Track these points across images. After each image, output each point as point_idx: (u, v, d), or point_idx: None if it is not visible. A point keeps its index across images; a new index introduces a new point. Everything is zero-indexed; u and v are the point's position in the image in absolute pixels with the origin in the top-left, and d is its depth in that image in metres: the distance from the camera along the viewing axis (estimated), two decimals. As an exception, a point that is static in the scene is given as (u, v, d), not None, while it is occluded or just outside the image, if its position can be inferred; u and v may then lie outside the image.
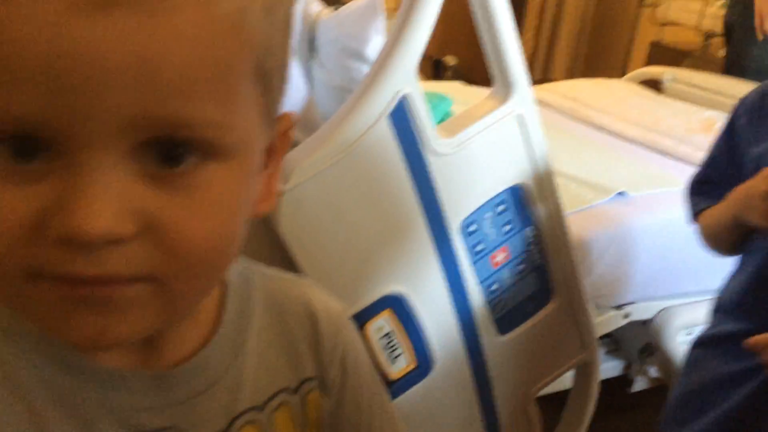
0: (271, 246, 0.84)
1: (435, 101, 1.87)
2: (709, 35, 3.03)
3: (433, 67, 3.26)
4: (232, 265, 0.40)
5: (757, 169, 0.75)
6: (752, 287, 0.82)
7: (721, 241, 0.88)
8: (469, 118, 0.94)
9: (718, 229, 0.87)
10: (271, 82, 0.32)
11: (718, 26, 2.85)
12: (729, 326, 0.85)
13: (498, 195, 0.99)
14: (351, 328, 0.45)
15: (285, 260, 0.85)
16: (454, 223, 0.95)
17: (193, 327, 0.38)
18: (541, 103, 2.19)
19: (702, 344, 0.90)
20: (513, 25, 0.92)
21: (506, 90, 0.95)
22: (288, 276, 0.45)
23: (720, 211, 0.84)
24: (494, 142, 0.95)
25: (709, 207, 0.88)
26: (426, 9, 0.83)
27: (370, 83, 0.84)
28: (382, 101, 0.84)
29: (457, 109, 1.64)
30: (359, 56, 0.95)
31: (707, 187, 0.90)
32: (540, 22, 3.67)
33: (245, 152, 0.31)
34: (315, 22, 1.03)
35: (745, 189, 0.77)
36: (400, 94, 0.84)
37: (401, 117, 0.86)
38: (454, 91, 2.13)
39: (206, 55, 0.27)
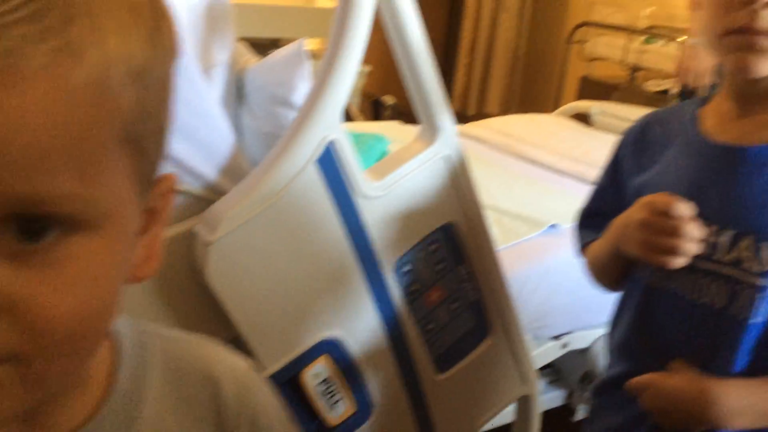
0: (200, 298, 0.83)
1: (372, 142, 1.90)
2: (634, 69, 3.17)
3: (372, 107, 3.31)
4: (127, 329, 0.39)
5: (637, 198, 0.73)
6: (635, 324, 0.79)
7: (604, 274, 0.85)
8: (397, 160, 0.95)
9: (601, 262, 0.84)
10: (145, 145, 0.31)
11: (641, 60, 2.99)
12: (618, 368, 0.82)
13: (430, 234, 1.01)
14: (261, 387, 0.44)
15: (215, 312, 0.84)
16: (388, 264, 0.96)
17: (80, 398, 0.36)
18: (477, 139, 2.25)
19: (598, 392, 0.87)
20: (436, 67, 0.95)
21: (432, 132, 0.97)
22: (190, 338, 0.43)
23: (602, 243, 0.82)
24: (423, 183, 0.97)
25: (595, 240, 0.85)
26: (349, 55, 0.84)
27: (295, 130, 0.85)
28: (308, 147, 0.85)
29: (394, 148, 1.67)
30: (286, 103, 0.96)
31: (596, 219, 0.87)
32: (471, 60, 3.77)
33: (114, 221, 0.30)
34: (242, 70, 1.03)
35: (623, 219, 0.74)
36: (327, 140, 0.85)
37: (329, 162, 0.87)
38: (392, 130, 2.17)
39: (59, 127, 0.26)
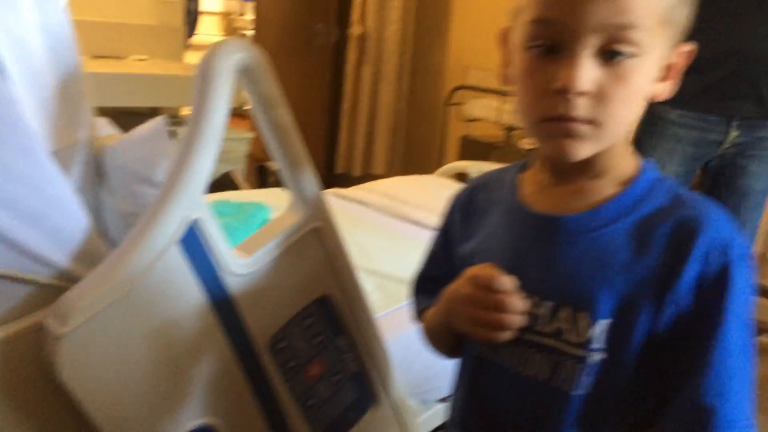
0: (54, 398, 0.77)
1: (253, 211, 1.88)
2: (509, 128, 3.33)
3: (258, 173, 3.29)
4: None
5: (465, 267, 0.71)
6: (468, 396, 0.79)
7: (440, 343, 0.84)
8: (267, 235, 0.93)
9: (436, 330, 0.82)
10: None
11: (515, 120, 3.15)
12: None
13: (304, 308, 0.99)
14: None
15: (72, 414, 0.77)
16: (261, 342, 0.93)
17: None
18: (361, 203, 2.27)
19: None
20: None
21: (302, 205, 0.96)
22: None
23: (435, 312, 0.80)
24: (294, 256, 0.95)
25: (430, 306, 0.83)
26: (209, 132, 0.83)
27: (155, 210, 0.82)
28: (170, 228, 0.81)
29: (275, 215, 1.65)
30: (148, 181, 0.92)
31: (431, 284, 0.85)
32: (354, 123, 3.85)
33: None
34: (102, 148, 0.99)
35: (451, 293, 0.73)
36: (190, 219, 0.82)
37: (192, 242, 0.84)
38: (277, 197, 2.15)
39: None
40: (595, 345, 0.67)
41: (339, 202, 2.22)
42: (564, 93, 0.61)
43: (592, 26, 0.60)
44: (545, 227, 0.71)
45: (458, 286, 0.71)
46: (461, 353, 0.82)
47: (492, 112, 3.34)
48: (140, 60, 3.12)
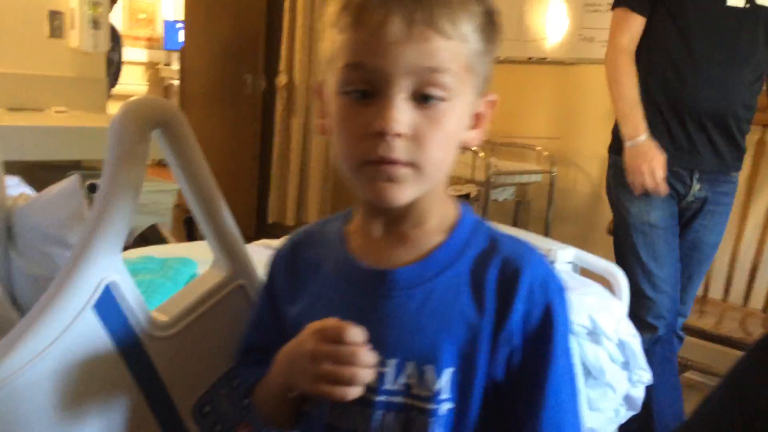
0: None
1: (178, 266, 1.81)
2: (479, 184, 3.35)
3: (185, 225, 3.21)
4: None
5: (297, 329, 0.68)
6: None
7: (278, 414, 0.77)
8: (188, 294, 0.90)
9: (272, 401, 0.76)
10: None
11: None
12: None
13: (233, 368, 0.95)
14: None
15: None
16: (185, 408, 0.89)
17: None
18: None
19: None
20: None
21: (226, 262, 0.94)
22: None
23: (270, 381, 0.74)
24: (218, 315, 0.92)
25: (262, 378, 0.77)
26: (123, 192, 0.80)
27: (68, 274, 0.78)
28: (84, 292, 0.78)
29: (202, 269, 1.60)
30: (61, 243, 0.88)
31: (258, 355, 0.80)
32: (284, 172, 3.84)
33: None
34: (12, 208, 0.95)
35: (290, 351, 0.68)
36: (105, 282, 0.79)
37: (108, 306, 0.80)
38: (204, 250, 2.08)
39: None
40: (443, 395, 0.67)
41: (268, 253, 2.18)
42: (382, 136, 0.62)
43: (404, 69, 0.62)
44: (378, 282, 0.70)
45: (300, 342, 0.66)
46: (304, 423, 0.76)
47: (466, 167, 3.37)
48: (60, 112, 3.03)
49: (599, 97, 2.78)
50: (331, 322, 0.65)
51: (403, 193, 0.65)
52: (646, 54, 1.82)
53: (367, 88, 0.64)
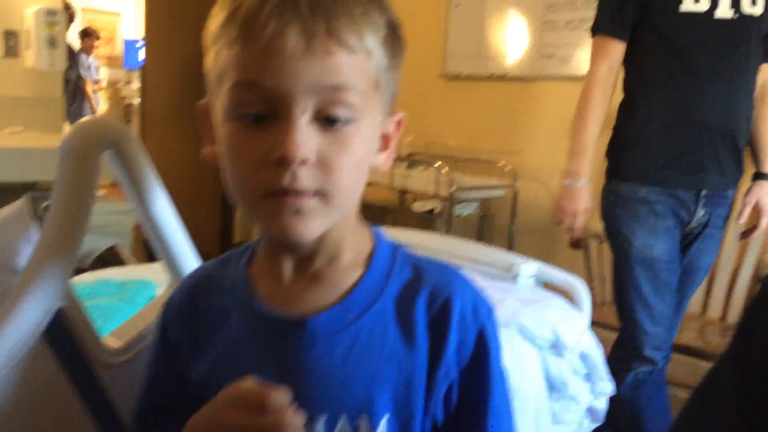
0: None
1: (137, 288, 1.79)
2: (402, 192, 3.40)
3: (144, 247, 3.16)
4: None
5: (205, 390, 0.60)
6: None
7: None
8: (142, 319, 0.88)
9: None
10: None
11: (407, 183, 3.22)
12: None
13: None
14: None
15: None
16: (140, 436, 0.87)
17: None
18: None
19: None
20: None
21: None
22: None
23: None
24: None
25: None
26: (74, 217, 0.78)
27: (16, 301, 0.75)
28: (32, 320, 0.75)
29: (161, 291, 1.57)
30: (9, 269, 0.85)
31: (160, 417, 0.70)
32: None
33: None
34: (-43, 234, 0.92)
35: (205, 422, 0.59)
36: (54, 309, 0.77)
37: (58, 334, 0.78)
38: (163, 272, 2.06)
39: None
40: None
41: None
42: (285, 164, 0.55)
43: (305, 88, 0.55)
44: (296, 333, 0.62)
45: (217, 412, 0.57)
46: None
47: (384, 175, 3.39)
48: (15, 133, 2.97)
49: (558, 113, 2.84)
50: (248, 386, 0.56)
51: (312, 227, 0.58)
52: (642, 77, 1.76)
53: (262, 111, 0.56)
